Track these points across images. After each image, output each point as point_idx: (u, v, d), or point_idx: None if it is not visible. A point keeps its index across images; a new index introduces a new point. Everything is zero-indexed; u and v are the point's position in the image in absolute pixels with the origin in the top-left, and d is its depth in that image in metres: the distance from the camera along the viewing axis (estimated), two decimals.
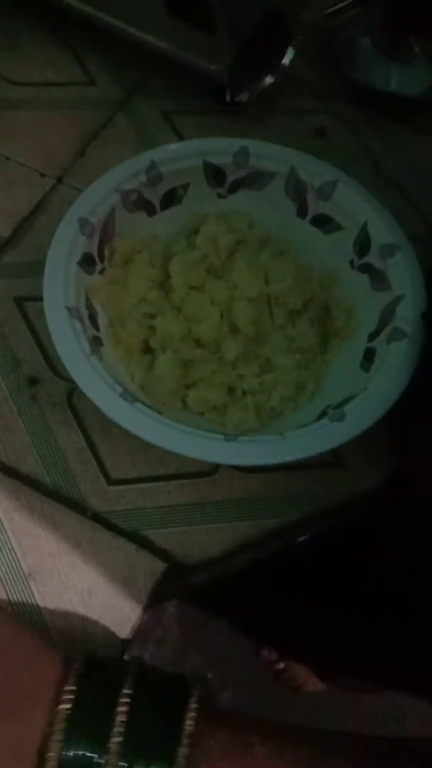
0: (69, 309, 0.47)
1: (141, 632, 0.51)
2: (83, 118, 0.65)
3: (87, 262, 0.50)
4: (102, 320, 0.51)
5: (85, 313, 0.48)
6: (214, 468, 0.51)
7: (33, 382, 0.53)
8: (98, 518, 0.49)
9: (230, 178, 0.55)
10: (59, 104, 0.65)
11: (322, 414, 0.47)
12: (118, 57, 0.69)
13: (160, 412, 0.45)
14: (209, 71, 0.64)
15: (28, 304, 0.55)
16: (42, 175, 0.61)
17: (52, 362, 0.53)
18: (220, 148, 0.54)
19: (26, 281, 0.50)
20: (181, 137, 0.65)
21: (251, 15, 0.61)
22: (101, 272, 0.52)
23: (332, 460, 0.52)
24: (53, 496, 0.49)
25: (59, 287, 0.47)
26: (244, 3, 0.59)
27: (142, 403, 0.45)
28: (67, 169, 0.62)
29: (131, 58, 0.68)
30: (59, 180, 0.61)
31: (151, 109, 0.66)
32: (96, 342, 0.48)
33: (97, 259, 0.51)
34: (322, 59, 0.72)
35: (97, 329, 0.50)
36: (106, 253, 0.52)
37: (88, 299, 0.49)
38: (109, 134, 0.64)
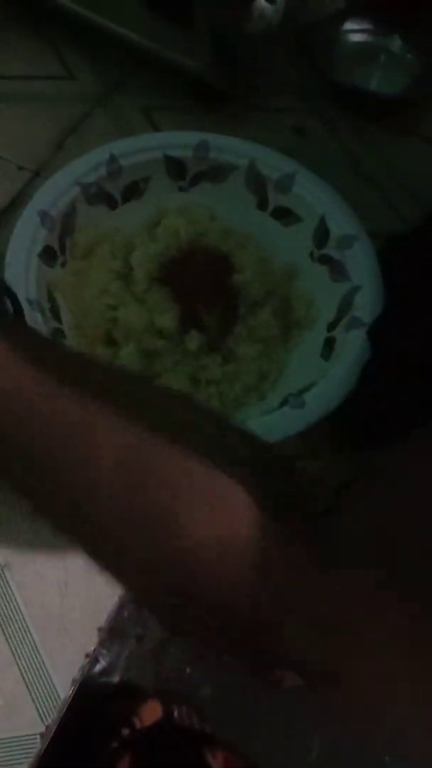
0: (30, 301, 0.47)
1: (121, 628, 0.51)
2: (62, 113, 0.66)
3: (48, 255, 0.50)
4: (64, 313, 0.51)
5: (46, 306, 0.49)
6: None
7: None
8: None
9: (191, 172, 0.56)
10: (38, 98, 0.66)
11: (284, 402, 0.48)
12: (98, 52, 0.69)
13: None
14: (189, 68, 0.64)
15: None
16: (20, 168, 0.62)
17: None
18: (181, 142, 0.55)
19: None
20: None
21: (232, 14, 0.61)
22: (63, 265, 0.52)
23: (306, 452, 0.52)
24: None
25: (20, 280, 0.48)
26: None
27: None
28: (45, 162, 0.62)
29: (111, 53, 0.69)
30: (37, 173, 0.62)
31: (130, 104, 0.67)
32: (58, 334, 0.49)
33: (58, 252, 0.52)
34: (303, 58, 0.73)
35: (59, 321, 0.50)
36: (68, 245, 0.53)
37: (49, 292, 0.50)
38: (87, 129, 0.65)
